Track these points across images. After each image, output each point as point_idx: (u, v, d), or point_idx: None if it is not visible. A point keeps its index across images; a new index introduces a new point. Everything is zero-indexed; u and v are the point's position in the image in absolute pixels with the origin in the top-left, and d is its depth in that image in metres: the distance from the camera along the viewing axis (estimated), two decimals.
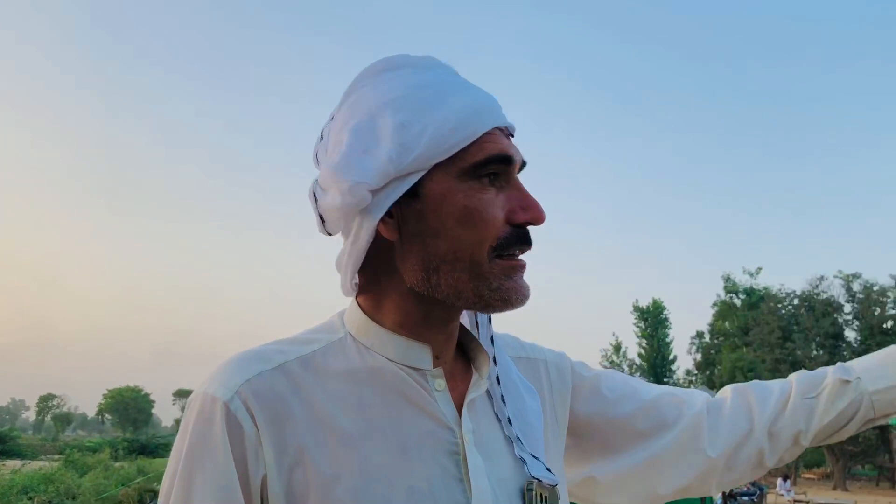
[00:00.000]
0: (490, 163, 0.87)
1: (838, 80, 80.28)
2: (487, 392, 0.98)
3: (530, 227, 0.90)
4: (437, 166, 0.87)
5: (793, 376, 1.17)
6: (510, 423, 0.96)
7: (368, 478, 0.83)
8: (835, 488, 38.11)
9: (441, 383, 0.92)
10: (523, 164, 0.93)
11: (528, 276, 0.92)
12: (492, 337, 0.99)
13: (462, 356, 1.00)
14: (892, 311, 41.40)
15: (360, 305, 0.95)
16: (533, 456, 0.95)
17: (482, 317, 1.00)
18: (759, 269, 50.82)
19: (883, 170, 75.29)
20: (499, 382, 0.98)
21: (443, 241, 0.87)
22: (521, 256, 0.91)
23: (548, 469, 0.95)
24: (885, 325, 40.79)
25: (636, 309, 59.67)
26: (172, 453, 0.86)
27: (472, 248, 0.87)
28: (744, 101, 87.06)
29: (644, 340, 58.83)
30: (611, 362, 59.94)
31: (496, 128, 0.90)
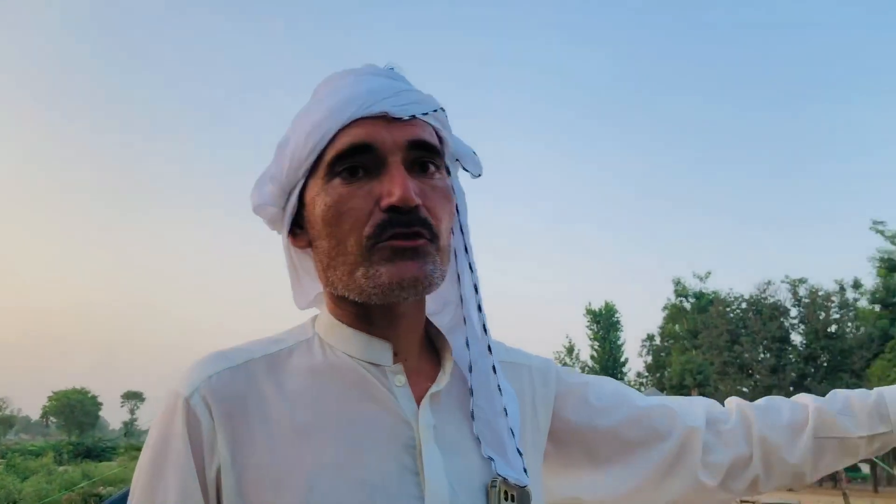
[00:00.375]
0: (343, 157, 0.89)
1: (784, 85, 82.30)
2: (470, 390, 0.98)
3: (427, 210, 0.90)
4: (310, 174, 0.93)
5: (811, 402, 1.12)
6: (506, 413, 0.96)
7: (320, 470, 0.85)
8: (780, 489, 38.89)
9: (401, 379, 0.94)
10: (423, 144, 0.92)
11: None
12: (484, 325, 0.99)
13: (434, 353, 1.02)
14: (836, 316, 42.49)
15: (327, 306, 0.99)
16: (501, 452, 0.94)
17: (470, 308, 1.00)
18: (709, 273, 51.78)
19: (828, 177, 77.34)
20: (494, 371, 0.98)
21: (324, 242, 0.91)
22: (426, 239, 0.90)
23: (524, 470, 0.94)
24: (829, 330, 41.82)
25: (589, 311, 60.34)
26: (143, 447, 0.91)
27: (342, 244, 0.89)
28: (693, 107, 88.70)
29: (596, 343, 59.52)
30: (563, 364, 60.18)
31: (376, 116, 0.90)
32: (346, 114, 0.90)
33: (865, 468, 51.18)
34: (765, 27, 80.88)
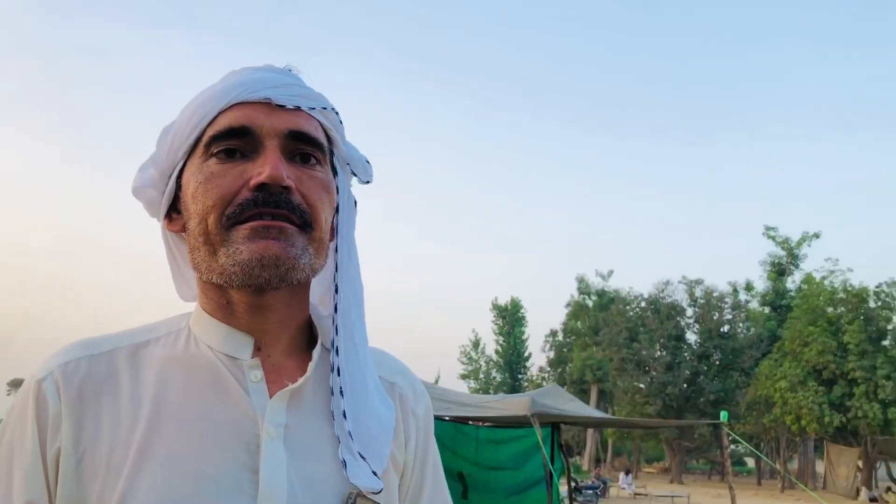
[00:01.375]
0: (220, 138, 0.89)
1: (684, 89, 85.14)
2: (331, 390, 0.95)
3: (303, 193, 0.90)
4: (189, 155, 0.93)
5: None
6: (344, 416, 0.92)
7: (152, 459, 0.84)
8: (672, 482, 40.41)
9: (257, 374, 0.92)
10: (305, 135, 0.92)
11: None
12: (337, 327, 0.96)
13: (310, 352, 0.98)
14: (729, 316, 44.31)
15: (198, 296, 0.98)
16: (361, 456, 0.91)
17: (344, 312, 0.97)
18: (611, 271, 53.40)
19: (727, 182, 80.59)
20: (339, 374, 0.94)
21: (191, 222, 0.90)
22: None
23: (374, 473, 0.91)
24: (722, 329, 43.56)
25: (495, 307, 61.17)
26: None
27: (204, 221, 0.88)
28: (595, 109, 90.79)
29: (502, 338, 60.40)
30: (469, 358, 61.20)
31: (260, 102, 0.91)
32: (229, 97, 0.91)
33: (751, 462, 53.69)
34: (657, 22, 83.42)
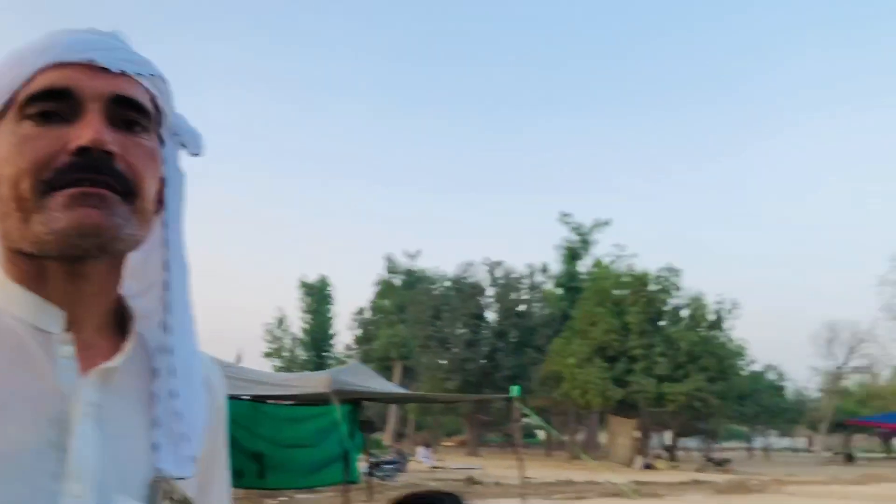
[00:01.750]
0: (34, 100, 0.82)
1: (492, 95, 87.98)
2: (162, 369, 0.91)
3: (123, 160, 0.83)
4: (1, 119, 0.84)
5: None
6: (174, 396, 0.89)
7: None
8: (469, 454, 42.08)
9: (67, 350, 0.84)
10: (131, 101, 0.85)
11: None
12: (169, 305, 0.92)
13: (124, 335, 0.92)
14: (526, 297, 46.63)
15: (2, 264, 0.89)
16: (187, 438, 0.89)
17: (177, 293, 0.94)
18: (419, 251, 54.64)
19: (529, 172, 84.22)
20: (172, 353, 0.91)
21: (2, 187, 0.82)
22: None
23: (193, 458, 0.89)
24: (518, 308, 45.77)
25: (303, 285, 60.59)
26: None
27: (17, 186, 0.81)
28: (405, 88, 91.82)
29: (309, 315, 59.97)
30: (273, 336, 60.29)
31: (82, 64, 0.83)
32: (48, 56, 0.82)
33: (542, 434, 56.84)
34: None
